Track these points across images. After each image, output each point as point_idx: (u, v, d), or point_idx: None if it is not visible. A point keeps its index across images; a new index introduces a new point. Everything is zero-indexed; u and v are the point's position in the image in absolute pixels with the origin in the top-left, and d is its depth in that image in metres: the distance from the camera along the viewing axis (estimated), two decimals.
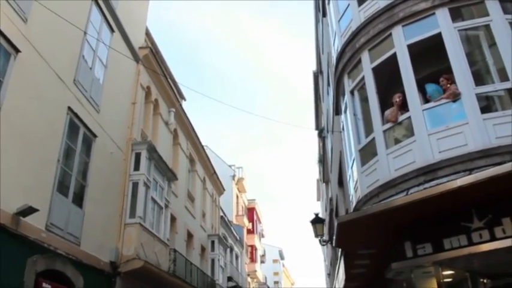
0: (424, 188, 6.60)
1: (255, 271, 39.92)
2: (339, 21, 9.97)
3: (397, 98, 7.84)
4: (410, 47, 7.77)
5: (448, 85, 7.25)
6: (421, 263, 7.32)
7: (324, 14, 13.22)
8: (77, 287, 9.56)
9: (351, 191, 9.60)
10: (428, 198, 6.33)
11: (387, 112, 7.99)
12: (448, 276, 7.75)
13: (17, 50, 8.03)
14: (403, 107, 7.75)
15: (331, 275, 23.14)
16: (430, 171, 6.87)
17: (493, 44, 7.29)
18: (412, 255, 7.32)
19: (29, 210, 7.84)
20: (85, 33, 10.75)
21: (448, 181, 6.34)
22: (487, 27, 7.37)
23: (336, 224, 7.90)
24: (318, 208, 43.20)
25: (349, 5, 9.48)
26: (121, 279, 11.60)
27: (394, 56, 7.96)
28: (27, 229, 8.05)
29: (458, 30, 7.44)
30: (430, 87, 7.60)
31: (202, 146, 23.16)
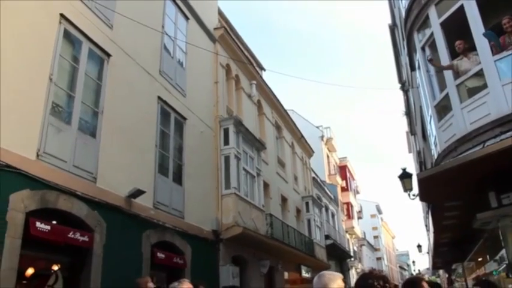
0: (501, 140, 6.63)
1: (353, 227, 40.33)
2: None
3: (458, 45, 7.82)
4: None
5: (510, 26, 7.04)
6: (507, 212, 7.37)
7: None
8: (186, 254, 10.82)
9: (432, 145, 9.68)
10: (505, 149, 6.38)
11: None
12: None
13: (108, 55, 9.08)
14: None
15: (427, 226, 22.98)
16: (505, 122, 6.82)
17: None
18: (496, 205, 7.38)
19: (137, 193, 9.05)
20: (163, 26, 11.68)
21: None
22: None
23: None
24: (410, 160, 42.21)
25: None
26: (223, 245, 12.78)
27: (461, 8, 7.81)
28: (139, 208, 9.29)
29: None
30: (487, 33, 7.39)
31: (287, 113, 23.69)
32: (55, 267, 7.38)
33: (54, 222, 7.05)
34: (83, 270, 7.59)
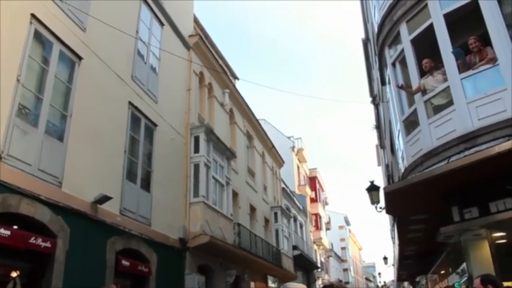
0: (465, 156, 6.83)
1: (321, 238, 40.55)
2: None
3: (425, 64, 8.03)
4: (447, 16, 7.82)
5: (476, 46, 7.30)
6: (469, 226, 7.57)
7: None
8: (151, 262, 10.65)
9: (399, 159, 9.88)
10: (469, 165, 6.56)
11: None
12: (500, 237, 7.95)
13: (80, 58, 8.93)
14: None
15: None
16: (470, 139, 7.03)
17: None
18: (459, 219, 7.58)
19: (104, 199, 8.87)
20: (137, 31, 11.58)
21: (487, 148, 6.53)
22: None
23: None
24: (379, 173, 42.92)
25: None
26: (190, 253, 12.64)
27: (431, 26, 8.05)
28: (105, 214, 9.10)
29: None
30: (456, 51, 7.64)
31: (259, 122, 23.76)
32: (14, 274, 7.12)
33: (15, 227, 6.83)
34: (43, 277, 7.37)
